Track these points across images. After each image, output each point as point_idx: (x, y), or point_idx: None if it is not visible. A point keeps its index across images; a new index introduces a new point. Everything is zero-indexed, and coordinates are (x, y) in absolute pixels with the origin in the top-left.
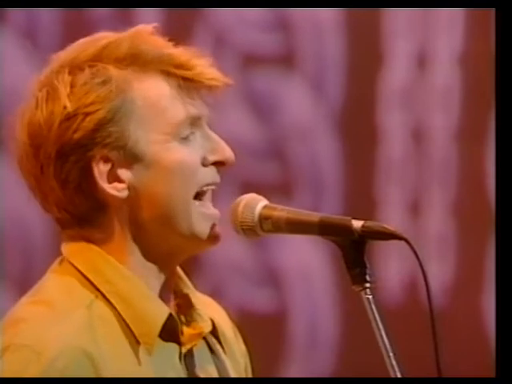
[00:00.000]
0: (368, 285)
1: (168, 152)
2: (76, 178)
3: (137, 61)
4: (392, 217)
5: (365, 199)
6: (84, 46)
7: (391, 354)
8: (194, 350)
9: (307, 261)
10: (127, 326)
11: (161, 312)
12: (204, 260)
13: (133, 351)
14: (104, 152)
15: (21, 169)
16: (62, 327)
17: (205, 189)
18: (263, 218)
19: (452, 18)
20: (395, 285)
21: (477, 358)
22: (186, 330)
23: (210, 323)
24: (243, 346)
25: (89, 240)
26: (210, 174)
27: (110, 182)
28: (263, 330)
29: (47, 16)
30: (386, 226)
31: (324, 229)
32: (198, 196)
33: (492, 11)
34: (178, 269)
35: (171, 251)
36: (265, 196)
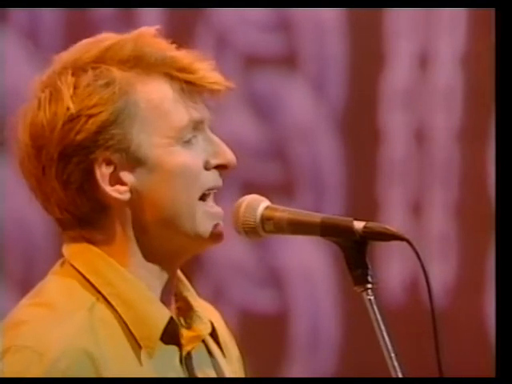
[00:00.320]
0: (370, 286)
1: (171, 156)
2: (78, 179)
3: (140, 63)
4: (394, 217)
5: (366, 200)
6: (87, 47)
7: (393, 355)
8: (193, 352)
9: (309, 262)
10: (128, 328)
11: (162, 315)
12: (206, 261)
13: (134, 353)
14: (106, 154)
15: (22, 170)
16: (63, 329)
17: (207, 193)
18: (265, 219)
19: (454, 18)
20: (397, 285)
21: (478, 358)
22: (186, 333)
23: (209, 325)
24: (238, 352)
25: (90, 241)
26: (213, 178)
27: (112, 184)
28: (265, 330)
29: (49, 16)
30: (387, 226)
31: (326, 230)
32: (202, 198)
33: (492, 11)
34: (179, 271)
35: (173, 252)
36: (266, 197)
